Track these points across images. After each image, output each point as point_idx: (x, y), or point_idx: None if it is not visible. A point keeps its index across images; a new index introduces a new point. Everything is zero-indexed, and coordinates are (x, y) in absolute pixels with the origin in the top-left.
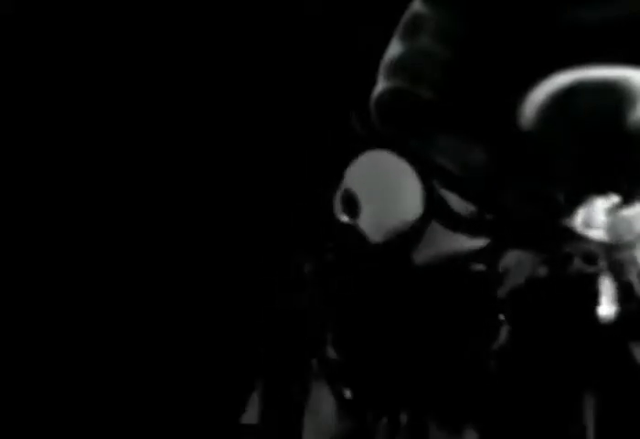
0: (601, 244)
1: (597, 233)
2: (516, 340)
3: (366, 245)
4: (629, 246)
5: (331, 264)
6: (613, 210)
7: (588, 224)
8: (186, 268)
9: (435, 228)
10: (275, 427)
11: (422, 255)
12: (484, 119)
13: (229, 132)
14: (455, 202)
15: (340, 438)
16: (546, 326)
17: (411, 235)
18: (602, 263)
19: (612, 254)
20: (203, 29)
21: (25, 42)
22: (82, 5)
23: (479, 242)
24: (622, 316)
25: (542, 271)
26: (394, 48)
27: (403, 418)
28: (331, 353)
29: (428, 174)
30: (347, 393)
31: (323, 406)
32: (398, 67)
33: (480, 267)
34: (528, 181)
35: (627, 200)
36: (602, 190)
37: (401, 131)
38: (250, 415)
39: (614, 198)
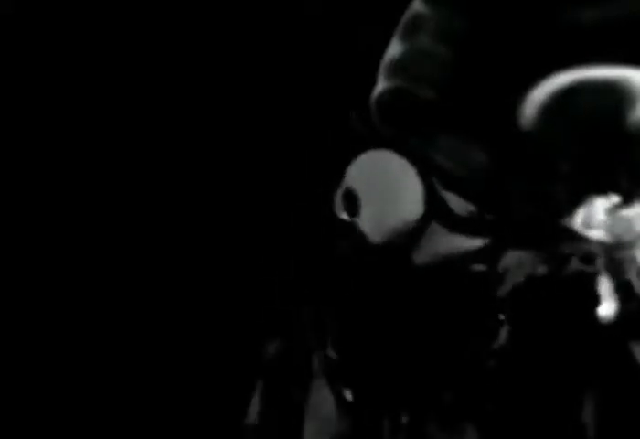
0: (600, 244)
1: (597, 233)
2: (516, 340)
3: (365, 245)
4: (629, 246)
5: (331, 264)
6: (612, 210)
7: (588, 224)
8: (186, 268)
9: (435, 228)
10: (275, 428)
11: (422, 255)
12: (484, 119)
13: (229, 132)
14: (455, 202)
15: (340, 438)
16: (546, 325)
17: (412, 235)
18: (602, 263)
19: (611, 254)
20: (203, 29)
21: (25, 42)
22: (82, 5)
23: (479, 242)
24: (622, 316)
25: (542, 271)
26: (394, 48)
27: (403, 418)
28: (331, 353)
29: (429, 174)
30: (348, 394)
31: (323, 406)
32: (398, 67)
33: (480, 267)
34: (528, 181)
35: (627, 200)
36: (602, 190)
37: (401, 131)
38: (252, 416)
39: (614, 198)
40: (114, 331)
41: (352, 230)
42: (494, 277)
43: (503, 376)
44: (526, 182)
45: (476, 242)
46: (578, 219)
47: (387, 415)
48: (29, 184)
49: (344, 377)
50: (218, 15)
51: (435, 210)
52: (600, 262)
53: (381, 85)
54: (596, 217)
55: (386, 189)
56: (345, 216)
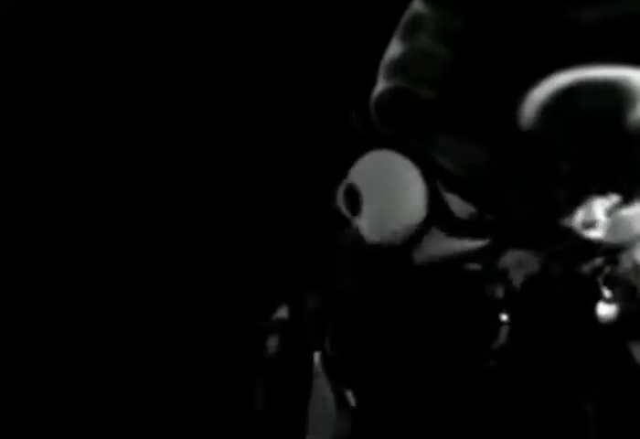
0: (600, 244)
1: (597, 233)
2: (516, 340)
3: (365, 245)
4: (629, 246)
5: (331, 264)
6: (612, 210)
7: (588, 224)
8: (187, 267)
9: (436, 229)
10: (276, 427)
11: (423, 255)
12: (484, 119)
13: (229, 132)
14: (456, 205)
15: (340, 438)
16: (546, 325)
17: (412, 238)
18: (602, 263)
19: (611, 254)
20: (203, 29)
21: (25, 42)
22: (82, 5)
23: (479, 243)
24: (622, 316)
25: (542, 270)
26: (394, 48)
27: (403, 417)
28: (331, 353)
29: (433, 176)
30: (349, 395)
31: (323, 406)
32: (398, 67)
33: (480, 267)
34: (528, 181)
35: (627, 200)
36: (602, 190)
37: (401, 131)
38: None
39: (614, 198)
40: (116, 327)
41: (352, 229)
42: (493, 277)
43: (503, 376)
44: (526, 182)
45: (476, 243)
46: (578, 220)
47: (387, 415)
48: (29, 184)
49: (344, 377)
50: (218, 15)
51: (437, 214)
52: (599, 262)
53: (381, 85)
54: (596, 217)
55: (389, 189)
56: (346, 213)
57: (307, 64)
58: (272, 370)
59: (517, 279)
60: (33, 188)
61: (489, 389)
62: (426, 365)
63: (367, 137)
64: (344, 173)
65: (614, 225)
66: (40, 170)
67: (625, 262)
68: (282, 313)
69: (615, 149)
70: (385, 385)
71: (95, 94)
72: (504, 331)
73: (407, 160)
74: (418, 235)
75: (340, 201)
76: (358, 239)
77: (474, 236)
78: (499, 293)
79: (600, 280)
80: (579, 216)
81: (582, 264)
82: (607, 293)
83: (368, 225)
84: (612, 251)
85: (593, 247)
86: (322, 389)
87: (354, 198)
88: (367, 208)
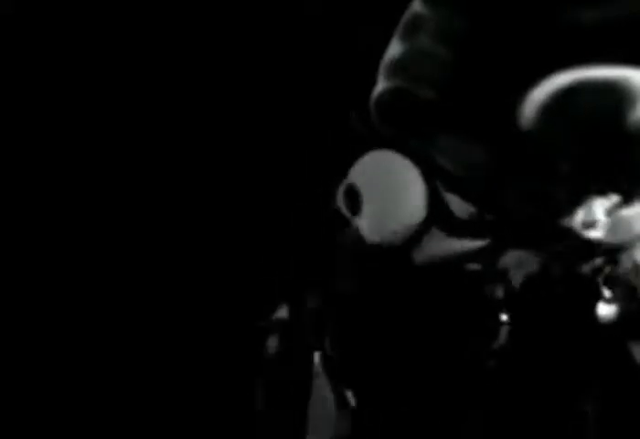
0: (600, 244)
1: (597, 233)
2: (516, 340)
3: (365, 245)
4: (629, 246)
5: (331, 265)
6: (612, 210)
7: (588, 224)
8: (187, 266)
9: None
10: (276, 427)
11: (423, 255)
12: (484, 119)
13: (230, 132)
14: (456, 205)
15: (340, 438)
16: (546, 325)
17: (412, 238)
18: (602, 263)
19: (611, 254)
20: (203, 29)
21: (25, 42)
22: (82, 5)
23: (479, 243)
24: (622, 316)
25: (542, 270)
26: (394, 48)
27: (403, 417)
28: (331, 353)
29: (433, 176)
30: (350, 396)
31: (323, 406)
32: (398, 67)
33: (480, 267)
34: (528, 181)
35: (627, 200)
36: (602, 190)
37: (401, 131)
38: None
39: (614, 198)
40: (115, 327)
41: (352, 229)
42: (493, 277)
43: (503, 376)
44: (526, 182)
45: (476, 243)
46: (578, 220)
47: (386, 415)
48: (29, 184)
49: (344, 377)
50: (218, 15)
51: (437, 214)
52: (599, 262)
53: (381, 85)
54: (596, 217)
55: (389, 189)
56: (346, 213)
57: (307, 64)
58: (272, 370)
59: (517, 279)
60: (33, 188)
61: (489, 389)
62: (426, 365)
63: (367, 137)
64: (344, 173)
65: (614, 225)
66: (40, 170)
67: (625, 262)
68: (282, 313)
69: (615, 149)
70: (385, 385)
71: (95, 94)
72: (504, 331)
73: (407, 160)
74: (418, 235)
75: (340, 201)
76: (358, 239)
77: (474, 236)
78: (499, 293)
79: (600, 280)
80: (579, 216)
81: (582, 264)
82: (607, 293)
83: (367, 225)
84: (612, 251)
85: (593, 247)
86: (322, 389)
87: (354, 198)
88: (367, 207)
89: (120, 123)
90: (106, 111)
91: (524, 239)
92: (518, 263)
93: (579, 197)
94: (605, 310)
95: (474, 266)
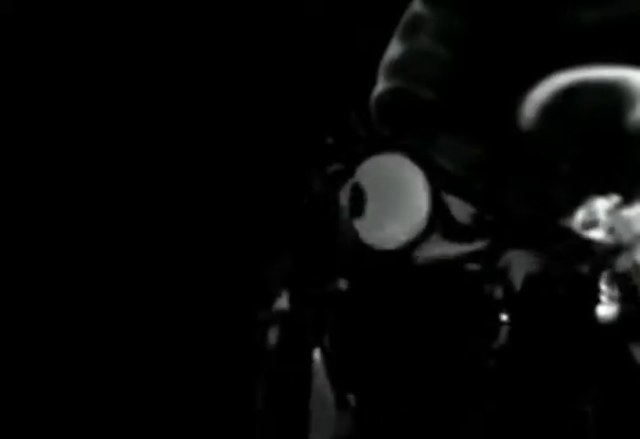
0: (600, 245)
1: (597, 234)
2: (516, 340)
3: (366, 247)
4: (629, 246)
5: (331, 265)
6: (613, 211)
7: (588, 224)
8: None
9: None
10: (276, 427)
11: (423, 255)
12: (484, 119)
13: (230, 132)
14: (457, 210)
15: (340, 438)
16: (545, 325)
17: (413, 244)
18: (602, 264)
19: (611, 254)
20: (203, 29)
21: (25, 42)
22: (82, 5)
23: (479, 244)
24: (622, 316)
25: (542, 271)
26: (394, 49)
27: (403, 417)
28: (331, 353)
29: (437, 183)
30: (349, 394)
31: (323, 406)
32: (398, 67)
33: (480, 267)
34: (528, 181)
35: (627, 200)
36: (602, 190)
37: (401, 131)
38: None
39: (614, 198)
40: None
41: (353, 230)
42: (493, 277)
43: (503, 376)
44: (526, 182)
45: (476, 245)
46: (578, 220)
47: (386, 415)
48: (29, 184)
49: (344, 376)
50: (218, 15)
51: (438, 220)
52: (599, 262)
53: (381, 85)
54: (596, 217)
55: (393, 192)
56: (348, 213)
57: (307, 64)
58: (273, 368)
59: (517, 279)
60: (32, 188)
61: (489, 389)
62: (426, 364)
63: (367, 137)
64: (344, 172)
65: (614, 225)
66: (40, 170)
67: (625, 262)
68: (282, 303)
69: (615, 149)
70: (385, 385)
71: (95, 94)
72: (504, 331)
73: (415, 166)
74: (418, 241)
75: (344, 200)
76: (359, 239)
77: (474, 240)
78: (499, 293)
79: (600, 280)
80: (579, 216)
81: (582, 264)
82: (607, 293)
83: (368, 226)
84: (612, 251)
85: (593, 247)
86: (322, 389)
87: (358, 198)
88: (370, 208)
89: (118, 122)
90: (105, 110)
91: (524, 239)
92: (518, 263)
93: (579, 197)
94: (605, 310)
95: (474, 266)
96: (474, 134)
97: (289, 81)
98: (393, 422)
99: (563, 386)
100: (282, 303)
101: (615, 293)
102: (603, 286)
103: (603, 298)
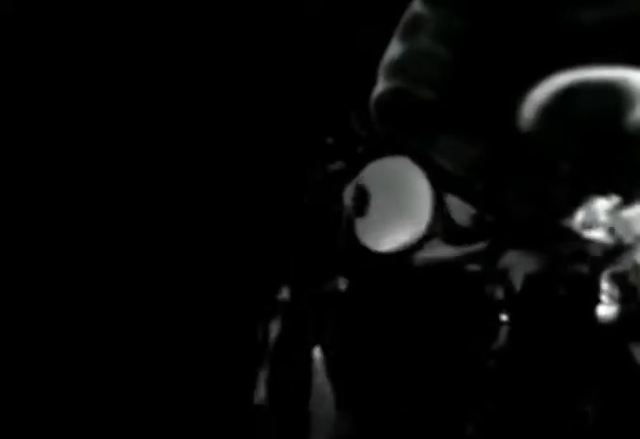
0: (600, 245)
1: (597, 234)
2: (516, 340)
3: (367, 249)
4: (629, 247)
5: (331, 265)
6: (613, 211)
7: (588, 224)
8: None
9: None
10: (276, 426)
11: (423, 256)
12: (484, 119)
13: (230, 132)
14: (457, 212)
15: (340, 438)
16: (546, 326)
17: (414, 247)
18: (602, 264)
19: (611, 255)
20: (203, 29)
21: (25, 42)
22: (82, 5)
23: (478, 246)
24: (622, 316)
25: (542, 271)
26: (394, 49)
27: (403, 417)
28: (331, 353)
29: (440, 187)
30: (349, 395)
31: (323, 406)
32: (398, 67)
33: (480, 267)
34: (528, 181)
35: (627, 200)
36: (602, 190)
37: (401, 131)
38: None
39: (614, 199)
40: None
41: (354, 230)
42: (494, 277)
43: (503, 376)
44: (526, 182)
45: (476, 246)
46: (578, 220)
47: (386, 415)
48: (29, 184)
49: (344, 376)
50: (218, 14)
51: (440, 223)
52: (600, 262)
53: (381, 85)
54: (596, 217)
55: (397, 194)
56: (351, 213)
57: (307, 64)
58: (272, 369)
59: (517, 279)
60: (32, 188)
61: (489, 389)
62: (426, 365)
63: (367, 137)
64: (344, 172)
65: (614, 225)
66: (40, 170)
67: (625, 262)
68: (285, 295)
69: (615, 149)
70: (385, 385)
71: (95, 94)
72: (504, 331)
73: (419, 170)
74: (419, 244)
75: (347, 200)
76: (359, 239)
77: (474, 243)
78: (499, 293)
79: (600, 280)
80: (579, 216)
81: (582, 264)
82: (607, 293)
83: (370, 227)
84: (612, 251)
85: (593, 247)
86: (322, 389)
87: (362, 198)
88: (373, 209)
89: (118, 122)
90: (105, 110)
91: (524, 239)
92: (518, 263)
93: (579, 197)
94: (605, 310)
95: (474, 267)
96: (474, 134)
97: (289, 81)
98: (393, 422)
99: (563, 386)
100: (283, 299)
101: (615, 293)
102: (603, 286)
103: (603, 298)
